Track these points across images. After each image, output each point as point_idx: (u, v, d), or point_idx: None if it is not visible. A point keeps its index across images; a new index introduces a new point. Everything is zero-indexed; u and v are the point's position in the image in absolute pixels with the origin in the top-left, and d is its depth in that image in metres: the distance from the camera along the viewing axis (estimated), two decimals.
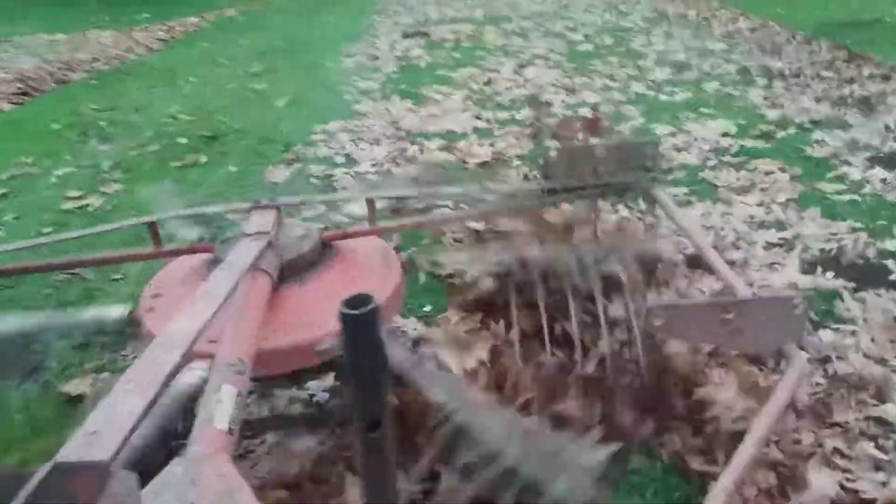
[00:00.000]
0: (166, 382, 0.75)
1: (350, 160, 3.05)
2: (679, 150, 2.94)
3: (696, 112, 3.46)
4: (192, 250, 1.45)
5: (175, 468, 0.66)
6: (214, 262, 1.27)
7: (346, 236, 1.50)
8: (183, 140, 3.52)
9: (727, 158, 2.83)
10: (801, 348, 1.40)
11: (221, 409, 0.77)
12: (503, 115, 3.62)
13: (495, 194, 1.63)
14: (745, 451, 0.91)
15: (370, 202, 1.58)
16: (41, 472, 0.53)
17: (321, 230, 1.43)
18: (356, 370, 0.93)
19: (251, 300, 1.08)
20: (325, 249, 1.40)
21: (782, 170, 2.65)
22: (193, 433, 0.73)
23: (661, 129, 3.19)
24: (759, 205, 2.35)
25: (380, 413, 0.96)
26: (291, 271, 1.29)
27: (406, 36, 6.45)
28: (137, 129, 3.76)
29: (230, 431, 0.75)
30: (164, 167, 3.15)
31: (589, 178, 1.57)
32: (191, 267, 1.38)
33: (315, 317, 1.18)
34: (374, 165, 2.96)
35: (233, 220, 1.57)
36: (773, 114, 3.38)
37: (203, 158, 3.22)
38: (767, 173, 2.63)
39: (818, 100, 3.56)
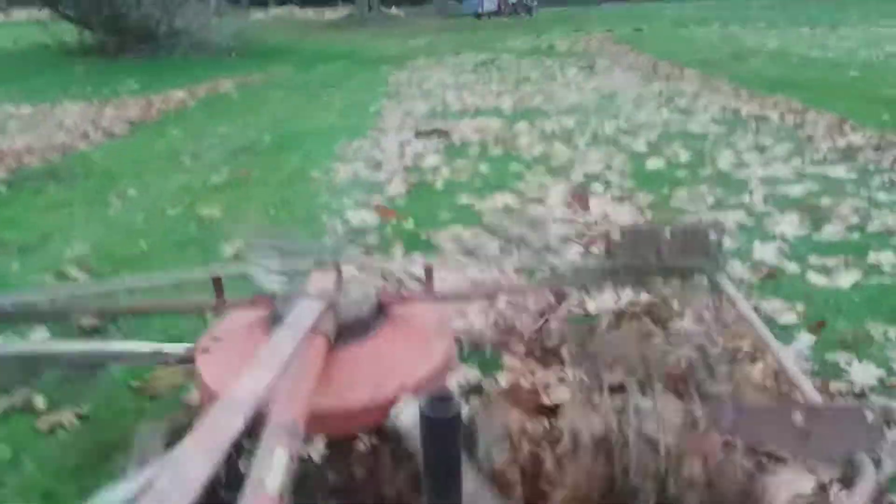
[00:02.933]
0: (231, 447, 0.76)
1: None
2: None
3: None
4: (252, 305, 1.46)
5: None
6: (273, 319, 1.30)
7: (403, 300, 1.50)
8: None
9: None
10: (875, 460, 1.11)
11: (273, 473, 0.77)
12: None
13: (560, 267, 1.69)
14: None
15: (428, 270, 1.59)
16: None
17: (379, 292, 1.44)
18: (431, 471, 0.95)
19: (307, 362, 1.10)
20: (381, 311, 1.40)
21: None
22: (244, 496, 0.73)
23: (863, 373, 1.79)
24: None
25: None
26: (349, 332, 1.30)
27: (420, 134, 5.18)
28: None
29: (280, 497, 0.76)
30: None
31: (652, 259, 1.54)
32: (249, 321, 1.39)
33: (366, 382, 1.19)
34: None
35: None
36: None
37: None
38: None
39: None
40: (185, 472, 0.69)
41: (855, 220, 2.95)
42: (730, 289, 1.57)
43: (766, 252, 2.60)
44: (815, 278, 2.38)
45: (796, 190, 3.42)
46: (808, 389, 1.23)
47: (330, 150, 4.84)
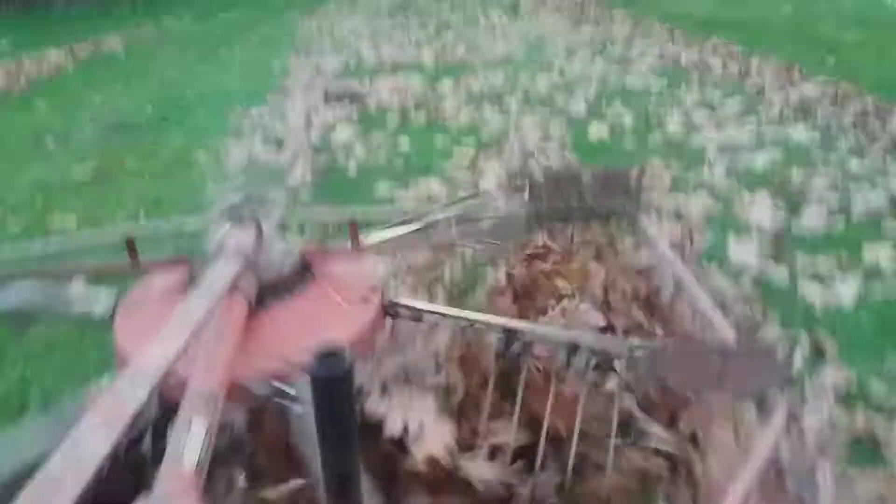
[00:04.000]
0: (133, 419, 0.73)
1: None
2: None
3: None
4: (168, 265, 1.41)
5: None
6: (191, 280, 1.23)
7: (328, 255, 1.43)
8: None
9: None
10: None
11: (190, 445, 0.75)
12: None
13: (484, 217, 1.62)
14: None
15: (352, 224, 1.54)
16: None
17: (302, 248, 1.38)
18: (324, 432, 0.90)
19: (225, 326, 1.05)
20: (305, 267, 1.32)
21: None
22: (162, 469, 0.72)
23: None
24: None
25: (350, 473, 0.94)
26: (270, 291, 1.23)
27: (330, 99, 4.52)
28: None
29: (198, 470, 0.73)
30: None
31: (574, 202, 1.58)
32: (167, 283, 1.32)
33: (292, 344, 1.07)
34: None
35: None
36: None
37: None
38: None
39: None
40: (81, 449, 0.65)
41: (834, 199, 2.54)
42: (650, 230, 1.61)
43: (744, 252, 2.17)
44: (809, 290, 1.96)
45: (760, 160, 3.00)
46: (724, 329, 1.25)
47: (223, 122, 4.14)
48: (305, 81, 5.33)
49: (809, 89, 4.03)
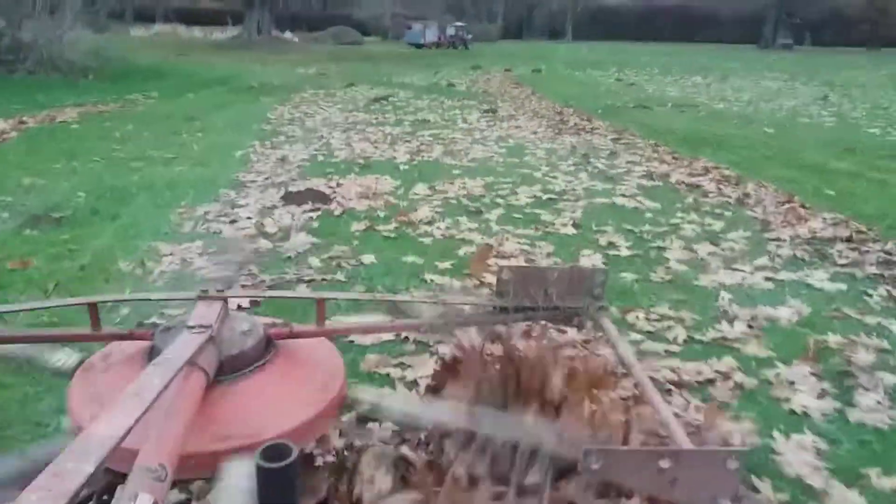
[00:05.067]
0: (77, 494, 0.72)
1: None
2: None
3: None
4: (130, 336, 1.41)
5: None
6: (152, 352, 1.25)
7: (293, 335, 1.44)
8: None
9: None
10: None
11: None
12: None
13: (449, 307, 1.61)
14: None
15: (320, 302, 1.51)
16: None
17: (267, 326, 1.39)
18: None
19: (181, 400, 1.04)
20: (269, 345, 1.35)
21: None
22: None
23: None
24: None
25: None
26: (231, 367, 1.24)
27: (289, 198, 4.03)
28: None
29: None
30: None
31: (540, 300, 1.58)
32: (128, 353, 1.34)
33: (247, 421, 1.14)
34: None
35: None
36: None
37: None
38: None
39: None
40: None
41: (892, 380, 2.07)
42: (612, 331, 1.60)
43: (796, 458, 1.66)
44: None
45: (784, 313, 2.55)
46: (680, 435, 1.22)
47: (162, 220, 3.60)
48: (268, 171, 4.86)
49: (819, 227, 3.67)
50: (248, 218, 3.68)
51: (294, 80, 13.52)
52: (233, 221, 3.62)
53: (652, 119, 8.52)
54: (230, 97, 10.29)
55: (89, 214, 3.68)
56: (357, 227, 3.55)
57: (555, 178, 4.90)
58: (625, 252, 3.26)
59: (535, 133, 7.24)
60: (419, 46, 33.07)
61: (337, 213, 3.82)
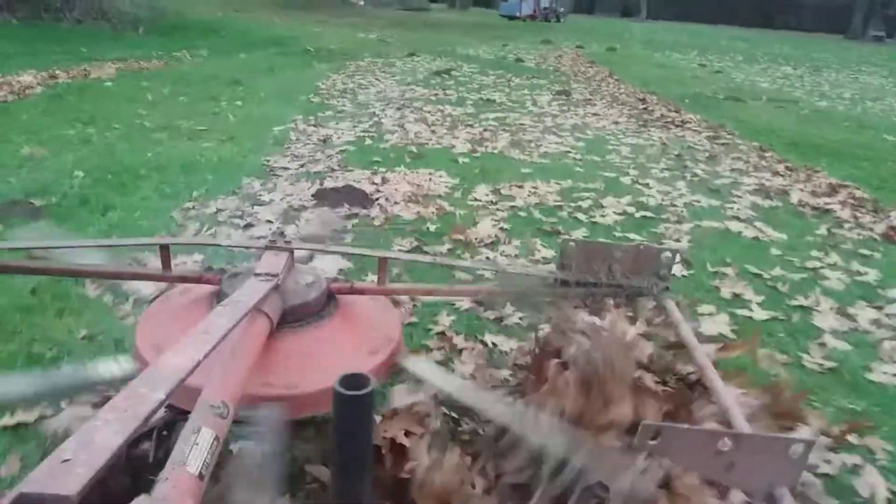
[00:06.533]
0: (147, 419, 0.72)
1: None
2: None
3: None
4: (199, 279, 1.42)
5: None
6: (219, 296, 1.26)
7: (353, 291, 1.45)
8: None
9: None
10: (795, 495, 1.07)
11: (196, 451, 0.75)
12: None
13: (509, 275, 1.63)
14: None
15: (382, 261, 1.52)
16: (5, 501, 0.53)
17: (330, 280, 1.40)
18: (341, 451, 0.95)
19: (246, 342, 1.06)
20: (330, 300, 1.35)
21: None
22: (164, 472, 0.71)
23: None
24: None
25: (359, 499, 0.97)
26: (293, 317, 1.25)
27: (321, 198, 3.27)
28: None
29: (200, 476, 0.73)
30: None
31: (603, 276, 1.55)
32: (194, 294, 1.36)
33: (307, 368, 1.16)
34: None
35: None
36: None
37: None
38: None
39: None
40: (95, 439, 0.65)
41: None
42: (675, 312, 1.54)
43: None
44: None
45: None
46: (740, 420, 1.19)
47: (162, 217, 2.90)
48: (306, 155, 4.13)
49: None
50: (268, 222, 2.95)
51: (353, 46, 12.75)
52: (248, 226, 2.89)
53: (748, 115, 7.46)
54: (282, 60, 9.59)
55: (77, 205, 2.99)
56: (400, 244, 2.78)
57: (647, 186, 4.03)
58: (758, 312, 2.40)
59: (615, 123, 6.32)
60: (512, 18, 32.18)
61: (377, 221, 3.05)
